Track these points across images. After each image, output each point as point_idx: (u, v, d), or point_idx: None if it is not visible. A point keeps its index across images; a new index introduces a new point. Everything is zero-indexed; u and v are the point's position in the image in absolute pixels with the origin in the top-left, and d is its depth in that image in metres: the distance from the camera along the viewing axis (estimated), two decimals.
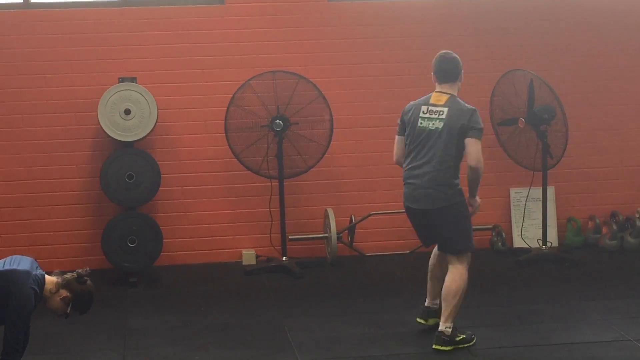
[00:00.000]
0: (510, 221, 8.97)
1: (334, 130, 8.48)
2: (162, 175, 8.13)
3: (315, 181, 8.72)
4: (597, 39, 9.05)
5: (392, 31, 8.77)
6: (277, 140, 8.18)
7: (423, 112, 6.25)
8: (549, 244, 8.58)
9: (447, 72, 6.36)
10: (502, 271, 8.14)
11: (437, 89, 6.34)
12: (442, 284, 6.22)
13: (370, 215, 8.65)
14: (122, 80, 8.04)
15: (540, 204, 8.57)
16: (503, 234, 8.75)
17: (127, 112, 7.93)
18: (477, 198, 6.32)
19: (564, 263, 8.30)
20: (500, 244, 8.73)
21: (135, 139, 8.00)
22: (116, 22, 8.42)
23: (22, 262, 5.18)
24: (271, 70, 8.25)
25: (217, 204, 8.65)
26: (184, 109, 8.52)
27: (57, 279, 5.23)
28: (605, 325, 6.54)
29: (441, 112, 6.16)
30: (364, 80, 8.74)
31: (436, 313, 6.39)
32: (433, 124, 6.16)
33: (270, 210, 8.44)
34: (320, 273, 8.26)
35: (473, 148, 6.06)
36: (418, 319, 6.52)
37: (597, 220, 8.99)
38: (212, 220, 8.65)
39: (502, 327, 6.56)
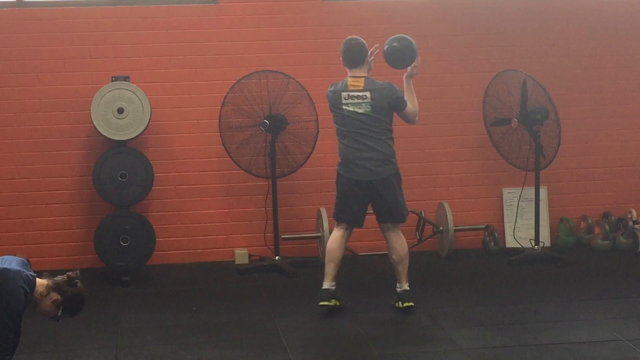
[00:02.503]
0: (503, 221, 8.97)
1: (328, 129, 8.45)
2: (155, 174, 8.13)
3: (308, 180, 8.72)
4: (590, 40, 9.06)
5: (385, 31, 8.73)
6: (269, 139, 8.18)
7: (344, 98, 6.88)
8: (541, 244, 8.59)
9: (355, 57, 6.90)
10: (495, 271, 8.15)
11: (350, 74, 6.94)
12: (340, 267, 6.97)
13: None
14: (115, 79, 8.04)
15: (532, 204, 8.59)
16: (496, 233, 8.75)
17: (120, 111, 7.92)
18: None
19: (557, 263, 8.32)
20: (492, 244, 8.74)
21: (128, 137, 8.00)
22: (109, 20, 8.41)
23: (13, 262, 5.17)
24: (263, 70, 8.25)
25: (210, 203, 8.65)
26: (177, 108, 8.51)
27: (48, 281, 5.21)
28: (597, 325, 6.55)
29: (364, 96, 6.78)
30: None
31: (334, 294, 6.93)
32: (361, 107, 6.82)
33: (266, 210, 8.44)
34: (313, 272, 8.25)
35: (409, 116, 7.00)
36: (321, 303, 6.90)
37: (590, 221, 9.01)
38: (205, 219, 8.65)
39: (494, 327, 6.57)
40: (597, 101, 9.10)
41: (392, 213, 6.96)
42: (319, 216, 8.47)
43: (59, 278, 5.23)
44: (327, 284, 6.95)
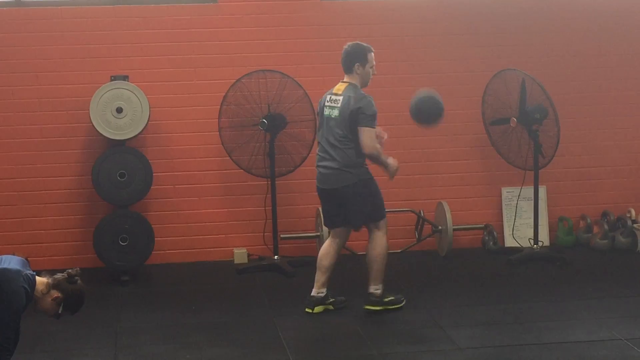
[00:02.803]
0: (502, 220, 8.98)
1: None
2: (154, 174, 8.13)
3: (307, 180, 8.70)
4: (589, 39, 9.07)
5: (384, 30, 8.77)
6: (268, 139, 8.18)
7: (327, 100, 6.89)
8: (540, 243, 8.59)
9: (344, 63, 6.89)
10: (494, 270, 8.15)
11: (342, 79, 6.93)
12: (328, 275, 6.98)
13: None
14: (114, 78, 8.03)
15: (531, 203, 8.59)
16: (495, 233, 8.75)
17: (119, 110, 7.92)
18: (390, 160, 6.85)
19: (555, 262, 8.32)
20: (491, 243, 8.74)
21: (127, 137, 8.00)
22: (108, 20, 8.41)
23: (12, 262, 5.17)
24: (262, 70, 8.25)
25: (209, 203, 8.65)
26: (176, 107, 8.51)
27: (48, 279, 5.21)
28: (596, 324, 6.56)
29: (338, 100, 6.75)
30: None
31: (322, 301, 6.97)
32: (332, 111, 6.84)
33: (265, 209, 8.43)
34: (311, 272, 8.20)
35: (362, 136, 6.65)
36: (306, 309, 6.96)
37: (589, 220, 9.01)
38: (204, 218, 8.65)
39: (494, 326, 6.57)
40: (596, 100, 9.10)
41: (357, 219, 6.98)
42: (318, 215, 8.47)
43: (59, 276, 5.23)
44: (313, 291, 7.02)
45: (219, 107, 8.23)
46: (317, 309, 6.94)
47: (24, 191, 8.39)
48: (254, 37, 8.59)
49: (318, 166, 6.93)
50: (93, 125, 7.96)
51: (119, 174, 7.98)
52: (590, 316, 6.75)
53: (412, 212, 8.65)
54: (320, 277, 7.01)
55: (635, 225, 8.79)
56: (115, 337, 6.52)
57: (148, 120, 8.01)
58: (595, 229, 8.96)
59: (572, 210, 9.11)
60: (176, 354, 6.15)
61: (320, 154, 6.90)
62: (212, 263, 8.58)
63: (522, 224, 8.90)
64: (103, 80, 8.09)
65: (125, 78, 8.06)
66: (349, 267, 8.40)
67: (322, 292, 6.98)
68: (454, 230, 8.48)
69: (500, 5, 8.93)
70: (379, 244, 6.92)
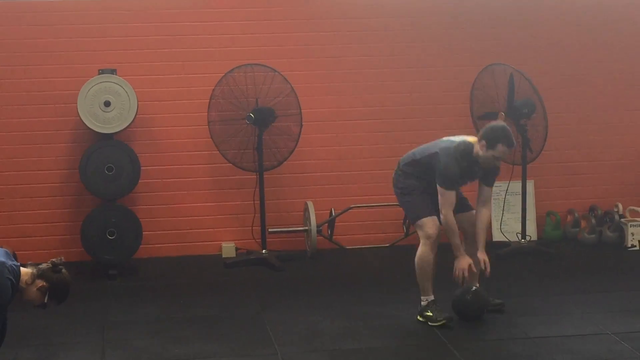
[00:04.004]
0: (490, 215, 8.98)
1: (313, 123, 8.50)
2: (142, 168, 8.11)
3: (296, 174, 8.72)
4: (577, 34, 9.08)
5: (374, 24, 8.77)
6: (256, 132, 8.17)
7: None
8: (528, 238, 8.62)
9: (482, 130, 6.52)
10: None
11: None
12: (478, 232, 6.62)
13: (350, 208, 8.66)
14: (102, 72, 8.01)
15: (519, 197, 8.60)
16: None
17: (107, 104, 7.90)
18: (463, 259, 6.53)
19: (543, 257, 8.34)
20: None
21: (115, 130, 7.98)
22: (96, 13, 8.38)
23: None
24: (250, 63, 8.23)
25: (197, 197, 8.64)
26: (164, 101, 8.50)
27: (32, 269, 5.20)
28: (583, 318, 6.58)
29: (448, 139, 6.56)
30: (345, 74, 8.74)
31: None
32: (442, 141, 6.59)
33: (253, 203, 8.43)
34: (300, 266, 8.26)
35: (441, 197, 6.42)
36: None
37: (576, 214, 9.03)
38: (192, 212, 8.64)
39: (481, 320, 6.58)
40: (584, 95, 9.12)
41: None
42: (306, 209, 8.47)
43: (43, 265, 5.22)
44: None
45: (207, 100, 8.21)
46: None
47: (11, 185, 8.37)
48: (242, 30, 8.57)
49: None
50: (81, 119, 7.94)
51: (107, 168, 7.96)
52: (577, 310, 6.77)
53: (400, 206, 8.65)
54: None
55: (622, 220, 8.82)
56: (103, 331, 6.50)
57: (136, 114, 8.00)
58: (583, 224, 8.99)
59: (560, 204, 9.13)
60: (164, 348, 6.14)
61: None
62: (200, 257, 8.57)
63: (509, 219, 8.91)
64: (91, 73, 8.06)
65: (113, 71, 8.03)
66: (338, 261, 8.43)
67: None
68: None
69: (488, 0, 8.93)
70: (417, 253, 6.60)
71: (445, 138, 6.60)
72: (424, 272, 6.52)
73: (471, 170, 6.45)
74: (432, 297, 6.53)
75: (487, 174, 6.55)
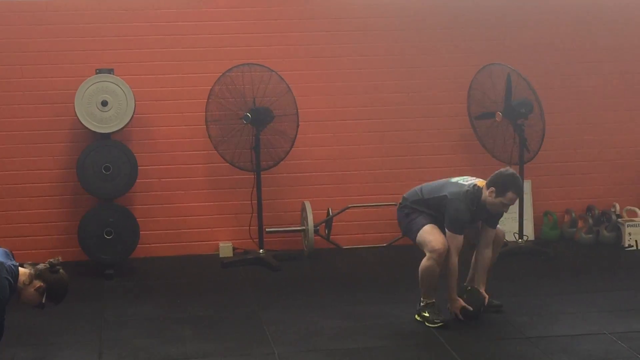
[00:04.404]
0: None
1: (310, 123, 8.50)
2: (139, 167, 8.10)
3: (293, 174, 8.72)
4: (575, 34, 9.08)
5: (372, 24, 8.77)
6: (254, 132, 8.17)
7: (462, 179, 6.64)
8: (525, 238, 8.62)
9: (492, 176, 6.48)
10: None
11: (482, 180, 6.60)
12: (480, 272, 6.70)
13: (347, 208, 8.66)
14: (99, 71, 8.01)
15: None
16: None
17: (104, 103, 7.90)
18: (455, 303, 6.57)
19: (540, 256, 8.35)
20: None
21: (112, 130, 7.98)
22: (94, 12, 8.38)
23: None
24: (247, 63, 8.23)
25: (194, 196, 8.64)
26: (162, 100, 8.49)
27: (30, 270, 5.20)
28: (581, 318, 6.58)
29: (457, 182, 6.55)
30: (342, 73, 8.74)
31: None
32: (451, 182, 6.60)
33: (251, 203, 8.42)
34: (297, 266, 8.26)
35: (449, 240, 6.45)
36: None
37: (573, 214, 9.04)
38: (189, 212, 8.64)
39: (478, 320, 6.57)
40: (581, 95, 9.12)
41: None
42: (303, 209, 8.47)
43: (40, 265, 5.22)
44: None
45: (204, 100, 8.21)
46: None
47: (8, 184, 8.36)
48: (240, 30, 8.57)
49: None
50: (78, 119, 7.93)
51: (104, 167, 7.96)
52: (575, 310, 6.77)
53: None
54: (470, 273, 6.87)
55: (619, 219, 8.83)
56: (100, 331, 6.50)
57: (133, 114, 7.99)
58: (580, 224, 9.00)
59: (557, 204, 9.13)
60: (161, 348, 6.14)
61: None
62: (197, 257, 8.57)
63: (507, 218, 8.85)
64: (88, 73, 8.06)
65: (110, 71, 8.03)
66: (335, 261, 8.43)
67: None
68: None
69: (485, 0, 8.94)
70: (422, 262, 6.54)
71: (454, 180, 6.61)
72: (427, 282, 6.50)
73: (479, 214, 6.50)
74: (432, 300, 6.53)
75: (491, 216, 6.58)
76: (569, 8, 9.06)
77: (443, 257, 6.44)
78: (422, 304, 6.55)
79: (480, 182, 6.50)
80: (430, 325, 6.43)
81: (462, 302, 6.54)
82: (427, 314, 6.49)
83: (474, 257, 6.79)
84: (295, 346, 6.13)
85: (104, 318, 6.81)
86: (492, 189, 6.33)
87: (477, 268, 6.72)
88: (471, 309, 6.55)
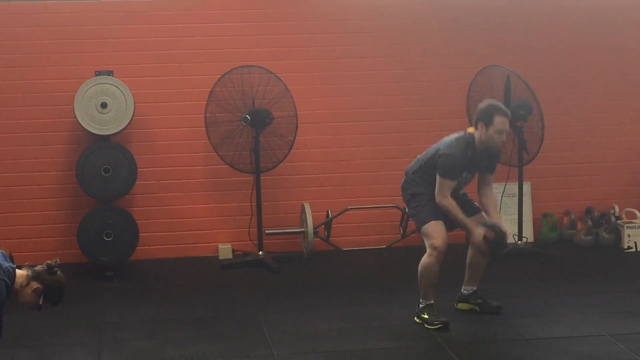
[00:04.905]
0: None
1: (309, 125, 8.50)
2: (138, 169, 8.11)
3: (292, 176, 8.72)
4: (574, 36, 9.09)
5: (371, 26, 8.77)
6: (253, 134, 8.18)
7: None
8: (524, 240, 8.63)
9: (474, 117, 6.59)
10: None
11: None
12: (476, 272, 6.75)
13: (346, 210, 8.66)
14: (98, 73, 8.01)
15: (516, 199, 8.61)
16: None
17: (104, 105, 7.90)
18: (475, 230, 6.51)
19: (540, 258, 8.35)
20: None
21: (111, 132, 7.98)
22: (93, 14, 8.38)
23: None
24: (246, 65, 8.23)
25: (194, 198, 8.64)
26: (161, 102, 8.49)
27: (27, 271, 5.20)
28: (580, 320, 6.58)
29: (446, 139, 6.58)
30: (341, 75, 8.75)
31: (467, 298, 6.80)
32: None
33: (250, 205, 8.42)
34: (296, 267, 8.26)
35: (438, 186, 6.44)
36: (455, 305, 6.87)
37: (573, 216, 9.04)
38: (188, 214, 8.64)
39: (477, 322, 6.59)
40: (580, 97, 9.13)
41: None
42: (303, 211, 8.47)
43: (38, 267, 5.22)
44: (462, 287, 6.87)
45: (204, 102, 8.21)
46: (460, 305, 6.85)
47: (7, 186, 8.36)
48: (239, 32, 8.57)
49: None
50: (77, 120, 7.94)
51: (104, 169, 7.96)
52: (574, 312, 6.77)
53: (397, 208, 8.65)
54: (466, 274, 6.84)
55: (618, 221, 8.83)
56: (99, 332, 6.50)
57: (133, 116, 8.00)
58: (579, 225, 9.00)
59: (556, 206, 9.14)
60: (160, 349, 6.14)
61: None
62: (196, 258, 8.57)
63: (506, 220, 8.86)
64: (87, 75, 8.07)
65: (109, 73, 8.04)
66: (334, 262, 8.43)
67: (468, 290, 6.83)
68: None
69: (485, 2, 8.94)
70: (423, 258, 6.54)
71: (446, 137, 6.63)
72: (426, 279, 6.51)
73: (476, 161, 6.48)
74: (431, 301, 6.53)
75: (489, 162, 6.59)
76: (569, 10, 9.06)
77: (444, 255, 6.46)
78: (421, 305, 6.55)
79: (470, 129, 6.53)
80: (429, 327, 6.43)
81: (481, 230, 6.46)
82: (426, 316, 6.49)
83: (468, 255, 6.78)
84: (294, 348, 6.14)
85: (104, 320, 6.81)
86: (480, 124, 6.39)
87: (486, 206, 6.66)
88: (493, 236, 6.46)
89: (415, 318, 6.56)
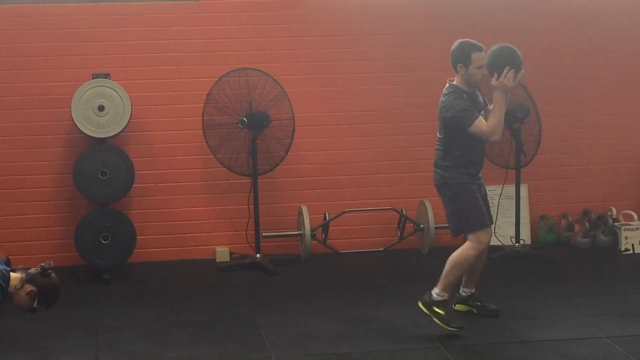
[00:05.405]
0: None
1: (307, 127, 8.51)
2: (136, 172, 8.11)
3: (289, 178, 8.72)
4: (571, 38, 9.10)
5: (368, 28, 8.78)
6: (250, 137, 8.18)
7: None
8: (522, 242, 8.63)
9: (450, 62, 6.49)
10: None
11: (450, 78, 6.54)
12: (475, 274, 6.64)
13: (344, 212, 8.66)
14: (95, 76, 8.01)
15: (513, 201, 8.61)
16: None
17: (101, 108, 7.90)
18: (502, 100, 6.33)
19: (537, 261, 8.35)
20: None
21: (109, 135, 7.98)
22: (90, 17, 8.39)
23: None
24: (243, 68, 8.24)
25: (191, 201, 8.64)
26: (158, 105, 8.50)
27: (22, 274, 5.21)
28: (577, 322, 6.58)
29: (441, 102, 6.43)
30: (339, 78, 8.75)
31: (465, 300, 6.74)
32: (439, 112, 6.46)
33: (248, 207, 8.42)
34: (294, 270, 8.26)
35: (476, 132, 6.23)
36: (453, 306, 6.75)
37: (570, 218, 9.04)
38: (186, 217, 8.64)
39: (475, 324, 6.58)
40: (577, 99, 9.13)
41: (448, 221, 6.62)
42: (300, 214, 8.47)
43: (32, 270, 5.24)
44: (461, 289, 6.75)
45: (201, 105, 8.22)
46: (458, 307, 6.77)
47: (4, 189, 8.36)
48: (236, 35, 8.58)
49: None
50: (75, 123, 7.94)
51: (101, 172, 7.96)
52: (571, 314, 6.78)
53: (394, 210, 8.66)
54: (466, 275, 6.68)
55: (616, 223, 8.83)
56: (96, 335, 6.50)
57: (130, 118, 8.00)
58: (577, 228, 9.00)
59: (554, 208, 9.14)
60: (158, 352, 6.13)
61: None
62: (194, 261, 8.57)
63: (503, 223, 8.92)
64: (85, 78, 8.07)
65: (107, 76, 8.04)
66: (332, 265, 8.43)
67: (466, 292, 6.75)
68: (436, 228, 8.49)
69: (481, 5, 8.95)
70: (460, 252, 6.40)
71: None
72: (458, 271, 6.39)
73: (475, 99, 6.43)
74: (447, 297, 6.40)
75: (484, 97, 6.56)
76: (566, 13, 9.07)
77: (485, 254, 6.50)
78: (436, 297, 6.36)
79: (451, 79, 6.48)
80: (444, 326, 6.31)
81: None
82: (442, 312, 6.33)
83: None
84: (292, 350, 6.13)
85: (101, 323, 6.80)
86: (459, 66, 6.36)
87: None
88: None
89: (423, 307, 6.38)
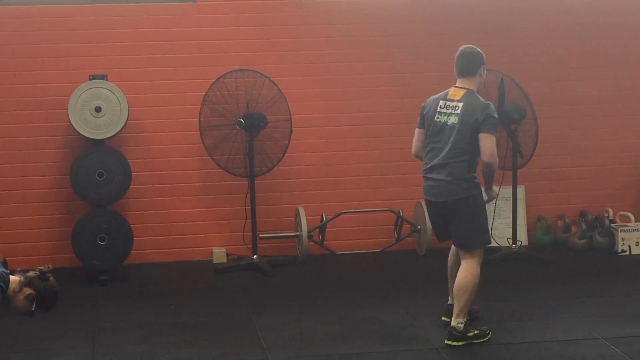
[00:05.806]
0: None
1: (304, 129, 8.51)
2: (133, 173, 8.10)
3: (286, 180, 8.72)
4: (567, 40, 9.10)
5: (365, 30, 8.78)
6: (247, 138, 8.18)
7: (440, 107, 6.28)
8: (518, 243, 8.63)
9: (464, 66, 6.33)
10: None
11: (456, 84, 6.34)
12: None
13: (341, 213, 8.66)
14: (92, 77, 8.00)
15: (510, 203, 8.62)
16: None
17: (98, 109, 7.89)
18: (495, 188, 6.41)
19: (534, 262, 8.36)
20: None
21: (105, 136, 7.97)
22: (87, 19, 8.38)
23: None
24: (240, 69, 8.24)
25: (188, 202, 8.64)
26: (155, 106, 8.49)
27: (20, 277, 5.20)
28: (574, 323, 6.58)
29: (457, 107, 6.19)
30: (336, 79, 8.75)
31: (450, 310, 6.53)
32: (449, 119, 6.21)
33: (245, 209, 8.42)
34: (291, 271, 8.26)
35: (486, 143, 6.13)
36: (442, 317, 6.57)
37: (567, 220, 9.05)
38: (183, 218, 8.64)
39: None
40: (574, 101, 9.14)
41: (458, 239, 6.33)
42: (297, 215, 8.47)
43: (31, 273, 5.23)
44: (449, 299, 6.56)
45: (198, 106, 8.22)
46: (446, 319, 6.52)
47: (1, 190, 8.35)
48: (233, 36, 8.58)
49: (427, 177, 6.36)
50: (71, 125, 7.93)
51: (98, 174, 7.95)
52: (568, 315, 6.78)
53: (391, 211, 8.66)
54: (450, 285, 6.50)
55: (612, 225, 8.84)
56: (93, 337, 6.50)
57: (127, 120, 7.99)
58: (573, 229, 9.01)
59: (550, 210, 9.15)
60: (155, 354, 6.14)
61: (428, 163, 6.35)
62: (191, 263, 8.57)
63: (500, 224, 8.92)
64: (81, 79, 8.06)
65: (104, 77, 8.03)
66: (329, 266, 8.43)
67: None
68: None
69: (479, 6, 8.96)
70: (472, 272, 6.20)
71: (448, 123, 6.24)
72: (472, 293, 6.21)
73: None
74: (467, 317, 6.24)
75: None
76: (563, 14, 9.07)
77: None
78: (460, 325, 6.16)
79: (461, 83, 6.32)
80: (485, 339, 6.21)
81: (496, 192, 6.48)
82: (476, 331, 6.21)
83: (450, 261, 6.61)
84: (288, 352, 6.13)
85: (98, 324, 6.80)
86: (483, 67, 6.33)
87: None
88: None
89: (455, 342, 6.14)
